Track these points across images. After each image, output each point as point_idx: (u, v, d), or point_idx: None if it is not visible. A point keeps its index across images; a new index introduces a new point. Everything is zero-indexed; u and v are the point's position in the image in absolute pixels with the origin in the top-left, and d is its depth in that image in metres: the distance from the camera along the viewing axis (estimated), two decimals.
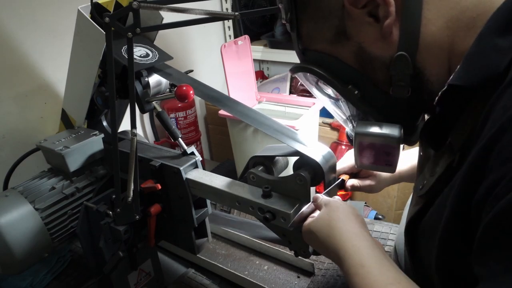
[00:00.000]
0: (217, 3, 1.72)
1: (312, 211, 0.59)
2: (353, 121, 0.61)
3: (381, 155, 0.55)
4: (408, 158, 0.76)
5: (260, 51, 1.76)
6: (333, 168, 0.63)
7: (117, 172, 0.69)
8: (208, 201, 0.79)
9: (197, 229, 0.79)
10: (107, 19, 0.57)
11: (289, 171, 0.65)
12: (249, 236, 1.02)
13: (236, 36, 1.71)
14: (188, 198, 0.73)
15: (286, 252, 0.98)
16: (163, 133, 1.54)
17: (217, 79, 1.69)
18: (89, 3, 0.69)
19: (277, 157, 0.68)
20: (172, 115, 1.45)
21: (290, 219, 0.59)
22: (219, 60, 1.20)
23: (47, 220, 0.82)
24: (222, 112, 1.21)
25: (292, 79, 1.73)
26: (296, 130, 1.02)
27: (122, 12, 0.58)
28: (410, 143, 0.57)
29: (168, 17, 0.70)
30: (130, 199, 0.69)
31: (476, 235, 0.36)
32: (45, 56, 1.09)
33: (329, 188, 0.63)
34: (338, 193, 0.66)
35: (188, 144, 0.77)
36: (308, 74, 0.57)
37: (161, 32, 0.87)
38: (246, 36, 1.31)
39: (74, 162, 0.86)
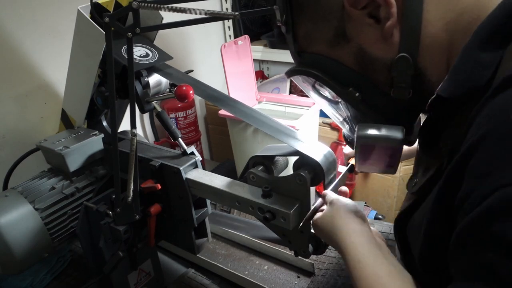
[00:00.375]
0: (217, 3, 1.72)
1: (322, 205, 0.62)
2: (351, 123, 0.61)
3: (383, 157, 0.55)
4: None
5: (260, 51, 1.76)
6: (333, 168, 0.63)
7: (117, 172, 0.69)
8: (208, 201, 0.79)
9: (197, 229, 0.79)
10: (106, 19, 0.57)
11: (289, 171, 0.65)
12: (249, 236, 1.02)
13: (236, 36, 1.71)
14: (188, 198, 0.73)
15: (286, 252, 0.98)
16: (163, 133, 1.54)
17: (217, 79, 1.69)
18: (89, 3, 0.69)
19: (277, 157, 0.68)
20: (172, 115, 1.45)
21: (290, 219, 0.59)
22: (219, 60, 1.20)
23: (47, 220, 0.82)
24: (222, 112, 1.21)
25: None
26: (296, 130, 1.02)
27: (122, 12, 0.58)
28: (409, 143, 0.57)
29: (168, 17, 0.70)
30: (130, 199, 0.69)
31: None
32: (45, 56, 1.09)
33: (341, 175, 0.66)
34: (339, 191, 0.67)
35: (188, 144, 0.77)
36: (305, 77, 0.56)
37: (161, 32, 0.87)
38: (246, 36, 1.31)
39: (74, 162, 0.86)
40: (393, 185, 1.38)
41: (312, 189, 0.63)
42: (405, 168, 1.34)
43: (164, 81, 0.84)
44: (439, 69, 0.47)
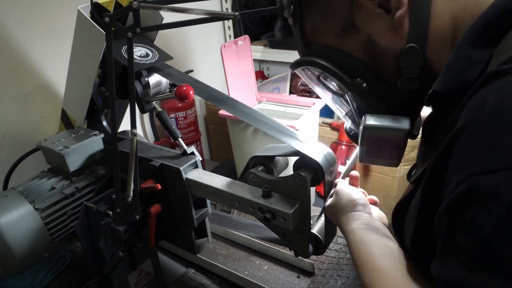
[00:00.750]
0: (217, 3, 1.72)
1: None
2: (355, 116, 0.61)
3: (389, 148, 0.55)
4: None
5: (260, 51, 1.76)
6: (333, 168, 0.63)
7: (117, 172, 0.69)
8: (208, 201, 0.79)
9: (197, 229, 0.79)
10: (107, 19, 0.57)
11: (289, 171, 0.65)
12: (249, 236, 1.02)
13: (236, 36, 1.71)
14: (188, 198, 0.73)
15: (286, 252, 0.98)
16: (163, 133, 1.54)
17: (217, 79, 1.69)
18: (89, 3, 0.69)
19: (277, 157, 0.68)
20: (172, 115, 1.45)
21: (290, 219, 0.59)
22: (219, 60, 1.20)
23: (47, 220, 0.82)
24: (222, 112, 1.21)
25: (292, 79, 1.72)
26: (296, 130, 1.02)
27: (122, 12, 0.58)
28: (413, 137, 0.57)
29: (168, 17, 0.70)
30: (130, 199, 0.69)
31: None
32: (45, 56, 1.09)
33: (350, 161, 0.71)
34: None
35: (188, 144, 0.77)
36: (309, 68, 0.56)
37: (161, 32, 0.87)
38: (246, 36, 1.31)
39: (74, 162, 0.86)
40: (393, 185, 1.38)
41: (312, 189, 0.63)
42: (405, 168, 1.34)
43: (164, 81, 0.84)
44: (445, 62, 0.48)
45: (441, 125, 0.49)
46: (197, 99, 1.68)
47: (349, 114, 0.63)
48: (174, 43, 1.54)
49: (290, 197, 0.62)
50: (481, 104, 0.37)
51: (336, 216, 0.62)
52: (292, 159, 0.65)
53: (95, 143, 0.89)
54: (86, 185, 0.89)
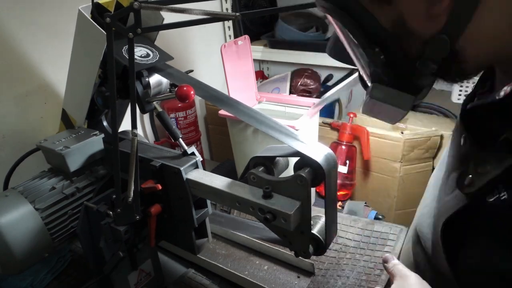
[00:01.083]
0: (217, 3, 1.72)
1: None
2: (364, 75, 0.59)
3: (388, 115, 0.54)
4: None
5: (260, 51, 1.76)
6: (334, 168, 0.63)
7: (117, 172, 0.69)
8: (208, 202, 0.79)
9: (197, 229, 0.79)
10: (108, 19, 0.57)
11: (290, 171, 0.65)
12: (249, 236, 1.02)
13: (236, 36, 1.71)
14: (188, 199, 0.73)
15: (286, 252, 0.98)
16: (163, 133, 1.54)
17: (217, 79, 1.69)
18: (90, 3, 0.69)
19: (277, 158, 0.68)
20: (172, 115, 1.45)
21: (290, 219, 0.59)
22: (219, 60, 1.20)
23: (47, 220, 0.82)
24: (222, 112, 1.21)
25: (292, 79, 1.73)
26: (296, 130, 1.02)
27: (123, 13, 0.58)
28: (414, 107, 0.55)
29: (169, 17, 0.70)
30: (130, 199, 0.69)
31: None
32: (45, 56, 1.09)
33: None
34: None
35: (188, 144, 0.77)
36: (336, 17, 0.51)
37: (161, 32, 0.87)
38: (246, 36, 1.30)
39: (74, 162, 0.86)
40: (393, 185, 1.38)
41: (313, 190, 0.63)
42: (405, 168, 1.34)
43: (165, 81, 0.84)
44: (483, 55, 0.45)
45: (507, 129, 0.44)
46: (197, 99, 1.68)
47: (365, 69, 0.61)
48: (174, 43, 1.54)
49: (290, 197, 0.62)
50: None
51: None
52: (293, 160, 0.65)
53: (96, 143, 0.88)
54: (87, 185, 0.89)
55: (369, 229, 1.05)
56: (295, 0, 1.92)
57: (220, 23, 1.78)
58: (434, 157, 1.37)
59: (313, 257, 0.96)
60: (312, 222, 0.65)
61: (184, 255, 1.04)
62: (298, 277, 0.95)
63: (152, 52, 0.81)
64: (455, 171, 0.55)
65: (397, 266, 0.61)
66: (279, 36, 1.73)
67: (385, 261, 0.64)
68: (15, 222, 0.77)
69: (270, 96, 1.40)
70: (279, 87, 1.70)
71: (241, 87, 1.29)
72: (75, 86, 0.91)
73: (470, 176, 0.48)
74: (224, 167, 1.55)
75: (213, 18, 0.57)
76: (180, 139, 0.77)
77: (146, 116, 1.51)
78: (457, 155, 0.55)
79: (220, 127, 1.67)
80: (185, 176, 0.72)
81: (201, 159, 0.76)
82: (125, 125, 0.96)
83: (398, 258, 0.72)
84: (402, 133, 1.32)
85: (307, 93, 1.70)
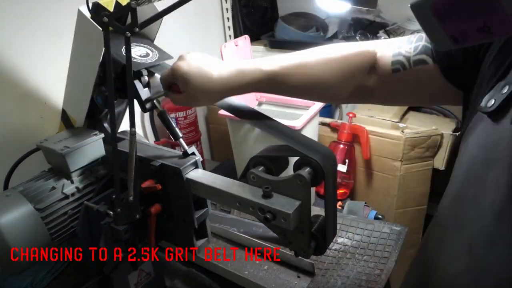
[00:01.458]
0: (217, 3, 1.72)
1: None
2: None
3: (474, 12, 0.37)
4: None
5: (260, 51, 1.76)
6: (333, 168, 0.63)
7: (117, 172, 0.69)
8: (208, 201, 0.79)
9: (197, 229, 0.79)
10: (105, 18, 0.56)
11: (290, 171, 0.65)
12: (249, 236, 1.02)
13: (236, 36, 1.72)
14: (188, 198, 0.73)
15: (286, 252, 0.98)
16: (163, 133, 1.54)
17: None
18: (90, 3, 0.69)
19: (277, 157, 0.68)
20: (172, 115, 1.45)
21: (290, 219, 0.59)
22: None
23: (47, 220, 0.82)
24: (222, 112, 1.21)
25: None
26: (296, 130, 1.02)
27: (120, 12, 0.58)
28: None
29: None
30: (130, 199, 0.69)
31: None
32: (45, 56, 1.09)
33: None
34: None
35: (188, 144, 0.77)
36: None
37: (161, 31, 0.87)
38: (246, 36, 1.31)
39: (74, 162, 0.86)
40: (393, 184, 1.38)
41: (312, 189, 0.63)
42: (406, 167, 1.34)
43: None
44: None
45: None
46: None
47: None
48: (174, 43, 1.54)
49: (290, 197, 0.62)
50: None
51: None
52: (293, 159, 0.65)
53: (96, 143, 0.89)
54: (87, 185, 0.89)
55: (369, 229, 1.05)
56: (295, 0, 1.92)
57: (220, 23, 1.78)
58: (434, 156, 1.37)
59: (313, 257, 0.96)
60: (312, 221, 0.65)
61: (184, 255, 1.03)
62: (298, 277, 0.95)
63: (152, 51, 0.81)
64: None
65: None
66: (279, 36, 1.73)
67: None
68: (15, 222, 0.77)
69: (270, 97, 1.40)
70: None
71: None
72: (75, 86, 0.91)
73: (489, 94, 0.47)
74: (224, 167, 1.55)
75: None
76: (181, 139, 0.77)
77: (146, 116, 1.51)
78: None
79: (220, 127, 1.67)
80: (185, 176, 0.72)
81: (201, 159, 0.76)
82: (125, 125, 0.96)
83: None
84: (402, 131, 1.32)
85: None
